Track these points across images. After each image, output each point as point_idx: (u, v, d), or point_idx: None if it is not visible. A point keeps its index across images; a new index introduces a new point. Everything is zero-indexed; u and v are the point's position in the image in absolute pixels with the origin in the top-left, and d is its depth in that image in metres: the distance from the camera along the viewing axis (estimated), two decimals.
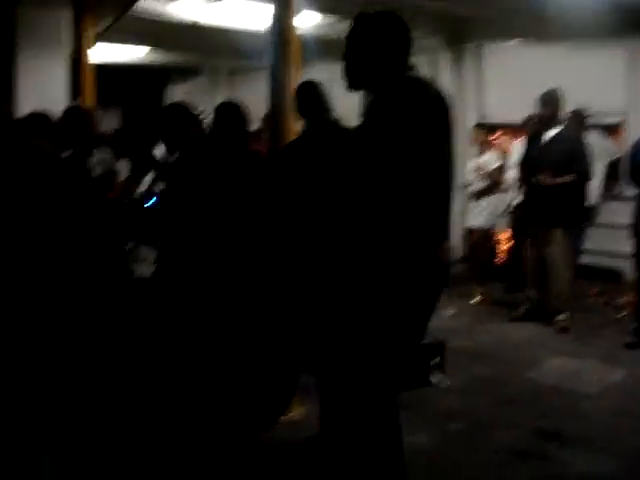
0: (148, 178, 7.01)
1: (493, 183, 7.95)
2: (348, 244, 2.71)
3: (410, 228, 2.63)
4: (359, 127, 2.82)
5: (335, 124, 4.27)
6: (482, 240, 8.10)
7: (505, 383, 5.35)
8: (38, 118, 4.82)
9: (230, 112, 4.66)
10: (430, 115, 2.68)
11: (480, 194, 7.98)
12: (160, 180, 5.21)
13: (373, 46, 2.82)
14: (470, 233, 8.22)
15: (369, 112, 2.79)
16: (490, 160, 7.99)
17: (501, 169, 8.01)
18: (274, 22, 4.68)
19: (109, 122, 16.23)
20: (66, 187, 2.59)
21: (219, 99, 13.85)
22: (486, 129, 8.39)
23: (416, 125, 2.62)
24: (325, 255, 2.84)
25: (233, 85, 14.13)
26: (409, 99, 2.67)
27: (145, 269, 5.97)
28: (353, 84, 2.94)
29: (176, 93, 15.45)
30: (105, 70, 8.41)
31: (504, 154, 8.56)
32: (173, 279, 4.87)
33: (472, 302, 7.82)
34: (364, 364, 2.70)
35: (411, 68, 2.85)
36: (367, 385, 2.74)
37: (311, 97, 4.24)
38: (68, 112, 4.98)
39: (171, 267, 4.97)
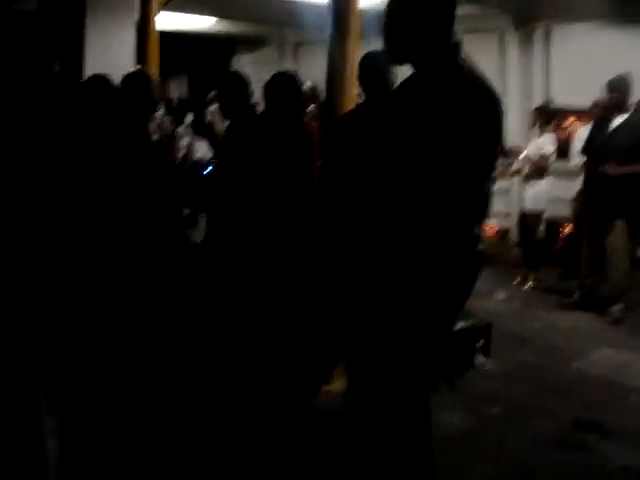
0: (204, 145, 7.11)
1: (537, 168, 7.75)
2: (385, 225, 2.68)
3: (445, 212, 2.60)
4: (401, 109, 2.75)
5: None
6: (533, 224, 7.93)
7: (549, 371, 5.28)
8: (99, 81, 4.91)
9: (283, 84, 4.67)
10: (475, 108, 2.60)
11: (528, 177, 7.83)
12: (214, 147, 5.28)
13: (411, 17, 2.69)
14: (523, 217, 8.07)
15: (411, 96, 2.72)
16: (542, 145, 7.80)
17: (550, 155, 7.78)
18: None
19: (175, 90, 16.48)
20: (113, 153, 2.62)
21: (285, 69, 13.94)
22: (546, 112, 8.17)
23: (460, 117, 2.54)
24: (362, 237, 2.81)
25: (299, 57, 14.12)
26: (454, 91, 2.59)
27: (200, 235, 6.11)
28: (395, 55, 2.87)
29: (242, 63, 15.53)
30: (172, 38, 8.52)
31: (563, 139, 8.38)
32: (221, 247, 4.96)
33: (524, 288, 7.71)
34: (396, 348, 2.69)
35: (456, 45, 2.75)
36: (397, 370, 2.72)
37: (372, 69, 4.17)
38: (128, 77, 5.04)
39: (220, 235, 5.06)
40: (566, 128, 9.03)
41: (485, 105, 2.65)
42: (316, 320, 4.21)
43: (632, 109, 6.70)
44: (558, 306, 6.97)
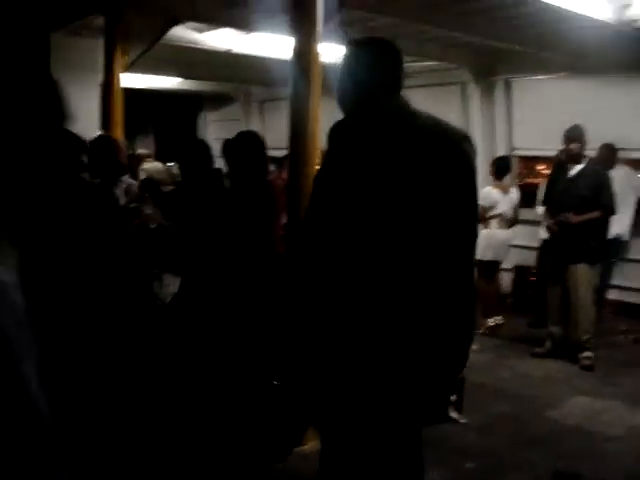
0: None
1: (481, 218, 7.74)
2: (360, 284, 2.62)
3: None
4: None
5: None
6: (483, 273, 7.90)
7: (525, 422, 5.26)
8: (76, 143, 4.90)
9: (247, 143, 4.70)
10: (403, 152, 2.57)
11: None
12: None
13: (359, 71, 2.71)
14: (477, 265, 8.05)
15: (374, 152, 2.68)
16: (483, 195, 7.84)
17: (486, 207, 7.78)
18: (295, 51, 4.69)
19: (143, 147, 16.47)
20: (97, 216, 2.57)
21: (252, 126, 14.09)
22: (495, 165, 8.23)
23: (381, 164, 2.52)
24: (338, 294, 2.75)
25: (265, 113, 14.25)
26: (406, 143, 2.55)
27: (169, 295, 6.06)
28: (343, 110, 2.88)
29: (208, 120, 15.66)
30: (139, 95, 8.55)
31: (529, 188, 8.47)
32: (190, 306, 4.93)
33: (479, 332, 7.65)
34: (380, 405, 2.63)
35: (404, 101, 2.73)
36: (384, 427, 2.66)
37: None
38: (96, 141, 5.07)
39: (189, 294, 5.03)
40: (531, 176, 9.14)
41: (442, 154, 2.60)
42: (287, 379, 4.16)
43: (587, 159, 6.80)
44: (530, 355, 6.97)
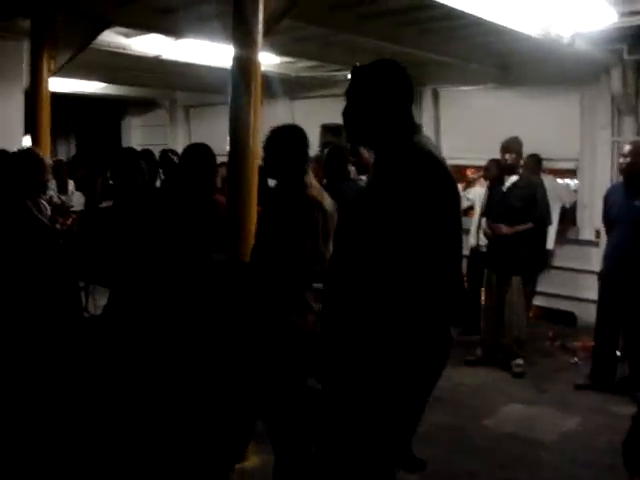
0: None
1: None
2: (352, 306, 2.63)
3: (420, 302, 2.57)
4: (371, 196, 2.71)
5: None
6: None
7: (462, 431, 5.32)
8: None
9: (197, 157, 4.62)
10: (441, 189, 2.60)
11: None
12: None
13: (371, 99, 2.69)
14: None
15: (379, 180, 2.69)
16: None
17: None
18: (236, 62, 4.65)
19: (63, 151, 16.12)
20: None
21: (177, 132, 13.93)
22: None
23: (428, 201, 2.54)
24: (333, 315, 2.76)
25: (191, 118, 14.11)
26: (419, 171, 2.56)
27: (98, 307, 5.96)
28: (353, 139, 2.87)
29: (133, 125, 15.41)
30: (60, 98, 8.32)
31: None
32: (123, 319, 4.84)
33: None
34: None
35: (417, 127, 2.75)
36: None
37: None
38: (18, 157, 4.96)
39: (122, 308, 4.95)
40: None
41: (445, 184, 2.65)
42: (227, 398, 4.11)
43: (521, 170, 6.93)
44: (462, 363, 7.04)
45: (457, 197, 2.76)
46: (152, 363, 4.60)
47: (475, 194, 8.16)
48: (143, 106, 14.76)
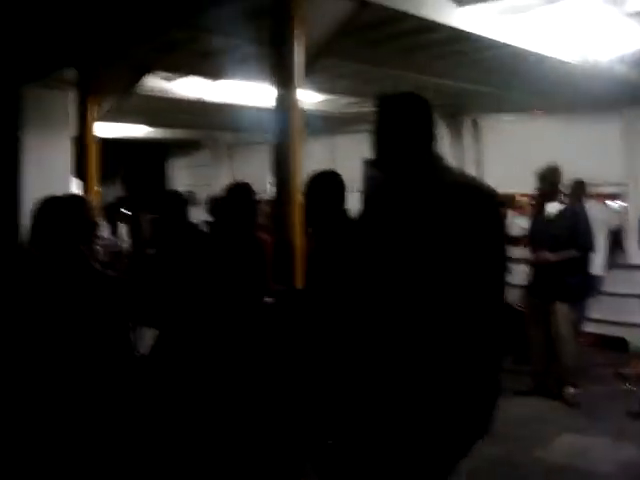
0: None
1: None
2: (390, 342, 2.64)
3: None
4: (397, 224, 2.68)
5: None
6: None
7: (514, 464, 5.23)
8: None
9: (239, 196, 4.67)
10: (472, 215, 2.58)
11: None
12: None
13: (396, 127, 2.73)
14: None
15: (406, 208, 2.68)
16: None
17: None
18: (277, 101, 4.74)
19: (110, 193, 16.39)
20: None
21: (221, 171, 14.11)
22: None
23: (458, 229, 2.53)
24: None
25: (233, 158, 14.29)
26: (451, 198, 2.57)
27: (146, 347, 6.04)
28: (380, 166, 2.90)
29: (177, 166, 15.66)
30: (107, 144, 8.52)
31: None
32: (171, 359, 4.90)
33: None
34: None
35: (437, 155, 2.76)
36: None
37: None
38: (67, 200, 5.06)
39: (169, 347, 5.00)
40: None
41: (478, 209, 2.62)
42: (275, 436, 4.13)
43: (565, 196, 6.88)
44: (513, 393, 6.94)
45: (493, 225, 2.73)
46: (201, 400, 4.65)
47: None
48: (187, 147, 15.02)
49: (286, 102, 4.75)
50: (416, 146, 2.70)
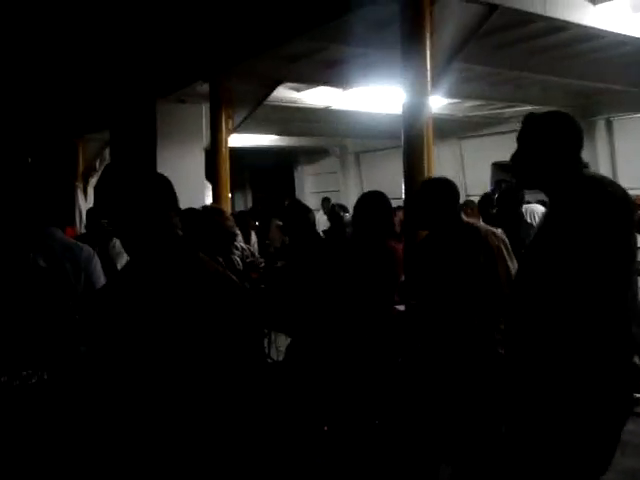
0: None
1: None
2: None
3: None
4: (551, 238, 2.75)
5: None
6: None
7: None
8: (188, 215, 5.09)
9: (372, 205, 4.70)
10: (619, 218, 2.62)
11: None
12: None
13: (544, 146, 2.76)
14: None
15: (559, 221, 2.73)
16: None
17: None
18: (407, 107, 4.75)
19: (240, 202, 16.86)
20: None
21: (349, 178, 14.23)
22: None
23: (609, 235, 2.58)
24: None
25: (361, 165, 14.36)
26: (598, 204, 2.61)
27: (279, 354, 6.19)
28: (526, 183, 2.94)
29: (305, 174, 15.89)
30: (236, 152, 8.76)
31: None
32: (304, 364, 4.98)
33: None
34: None
35: (584, 166, 2.80)
36: None
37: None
38: (204, 213, 5.24)
39: (302, 355, 5.09)
40: None
41: (622, 209, 2.66)
42: (413, 440, 4.14)
43: None
44: None
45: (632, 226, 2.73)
46: (333, 406, 4.71)
47: None
48: (314, 154, 15.19)
49: (418, 108, 4.74)
50: (567, 166, 2.73)
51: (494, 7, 4.87)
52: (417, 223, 4.33)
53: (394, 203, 10.37)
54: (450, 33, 4.88)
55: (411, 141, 4.76)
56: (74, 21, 8.88)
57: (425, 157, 4.69)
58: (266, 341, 6.67)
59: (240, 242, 6.23)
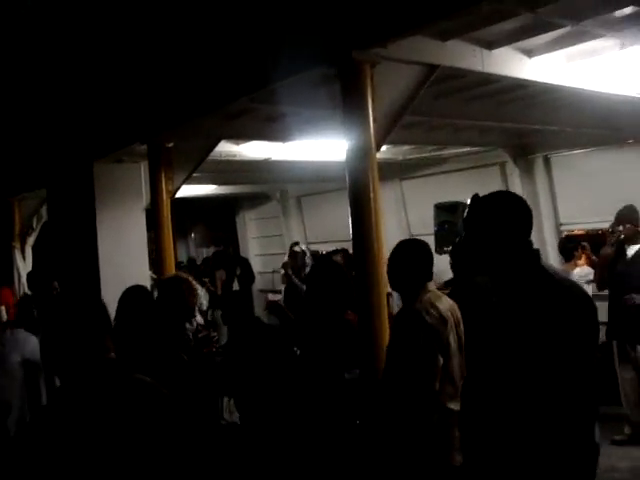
0: None
1: None
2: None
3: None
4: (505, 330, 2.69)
5: None
6: None
7: None
8: (136, 292, 4.97)
9: (327, 275, 4.62)
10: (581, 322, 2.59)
11: None
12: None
13: (493, 228, 2.72)
14: None
15: (517, 309, 2.67)
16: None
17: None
18: (355, 154, 4.66)
19: (182, 250, 16.66)
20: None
21: (291, 221, 14.17)
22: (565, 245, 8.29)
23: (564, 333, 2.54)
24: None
25: (302, 208, 14.33)
26: (553, 302, 2.58)
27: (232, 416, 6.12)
28: (475, 268, 2.89)
29: (247, 219, 15.81)
30: (175, 202, 8.62)
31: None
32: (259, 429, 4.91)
33: None
34: None
35: (534, 251, 2.75)
36: None
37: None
38: (165, 283, 5.12)
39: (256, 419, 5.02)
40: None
41: (578, 307, 2.62)
42: None
43: None
44: (610, 442, 6.69)
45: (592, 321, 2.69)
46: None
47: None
48: (255, 200, 15.13)
49: (362, 164, 4.63)
50: (515, 246, 2.68)
51: (435, 67, 4.89)
52: (391, 284, 4.23)
53: (336, 245, 10.33)
54: (393, 94, 4.86)
55: (356, 188, 4.63)
56: (8, 79, 8.74)
57: (372, 202, 4.55)
58: (220, 403, 6.57)
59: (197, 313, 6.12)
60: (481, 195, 2.82)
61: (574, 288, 2.73)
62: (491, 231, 2.72)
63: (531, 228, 2.77)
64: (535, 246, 2.75)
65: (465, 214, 2.83)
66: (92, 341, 2.52)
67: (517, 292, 2.67)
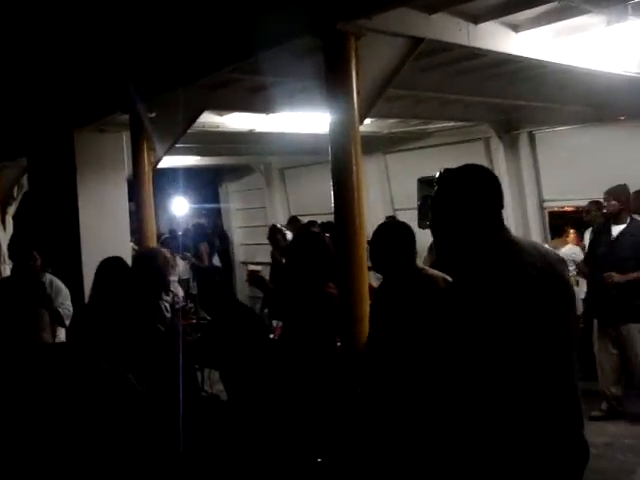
0: None
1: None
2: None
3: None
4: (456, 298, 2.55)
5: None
6: None
7: None
8: (113, 263, 4.93)
9: (307, 248, 4.59)
10: (531, 291, 2.43)
11: None
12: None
13: (461, 205, 2.59)
14: None
15: (465, 283, 2.55)
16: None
17: None
18: (338, 127, 4.62)
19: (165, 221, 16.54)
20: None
21: (274, 194, 14.12)
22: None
23: (513, 308, 2.41)
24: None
25: (286, 180, 14.28)
26: (505, 274, 2.44)
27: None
28: (444, 250, 2.77)
29: (230, 190, 15.74)
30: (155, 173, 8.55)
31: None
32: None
33: None
34: None
35: (503, 228, 2.61)
36: None
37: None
38: (141, 256, 5.07)
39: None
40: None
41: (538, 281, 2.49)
42: None
43: (629, 217, 6.67)
44: (588, 418, 6.74)
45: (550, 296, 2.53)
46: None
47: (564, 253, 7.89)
48: (239, 172, 15.05)
49: (345, 136, 4.59)
50: (485, 222, 2.58)
51: (420, 40, 4.85)
52: (373, 266, 4.20)
53: (319, 218, 10.25)
54: (377, 67, 4.82)
55: (339, 162, 4.62)
56: None
57: (355, 177, 4.54)
58: (199, 375, 6.56)
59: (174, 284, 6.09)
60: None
61: (550, 258, 2.64)
62: (458, 207, 2.59)
63: (501, 203, 2.67)
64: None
65: (434, 191, 2.69)
66: (17, 323, 2.36)
67: (474, 271, 2.54)
